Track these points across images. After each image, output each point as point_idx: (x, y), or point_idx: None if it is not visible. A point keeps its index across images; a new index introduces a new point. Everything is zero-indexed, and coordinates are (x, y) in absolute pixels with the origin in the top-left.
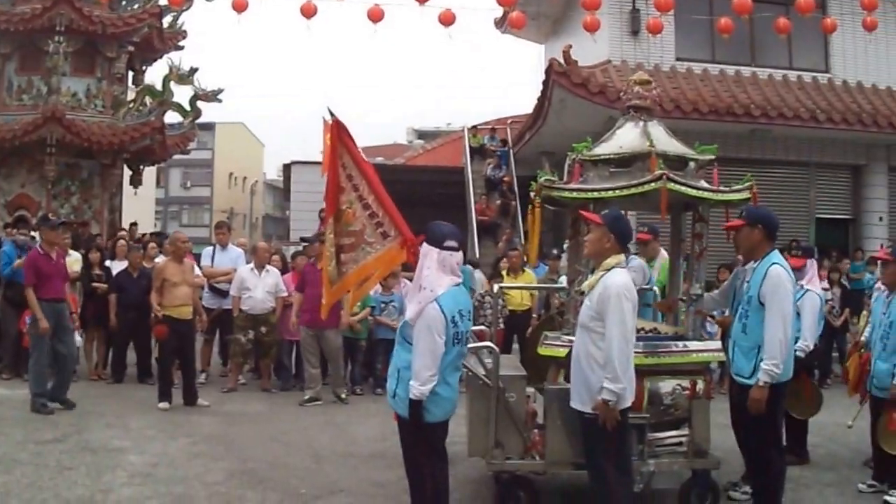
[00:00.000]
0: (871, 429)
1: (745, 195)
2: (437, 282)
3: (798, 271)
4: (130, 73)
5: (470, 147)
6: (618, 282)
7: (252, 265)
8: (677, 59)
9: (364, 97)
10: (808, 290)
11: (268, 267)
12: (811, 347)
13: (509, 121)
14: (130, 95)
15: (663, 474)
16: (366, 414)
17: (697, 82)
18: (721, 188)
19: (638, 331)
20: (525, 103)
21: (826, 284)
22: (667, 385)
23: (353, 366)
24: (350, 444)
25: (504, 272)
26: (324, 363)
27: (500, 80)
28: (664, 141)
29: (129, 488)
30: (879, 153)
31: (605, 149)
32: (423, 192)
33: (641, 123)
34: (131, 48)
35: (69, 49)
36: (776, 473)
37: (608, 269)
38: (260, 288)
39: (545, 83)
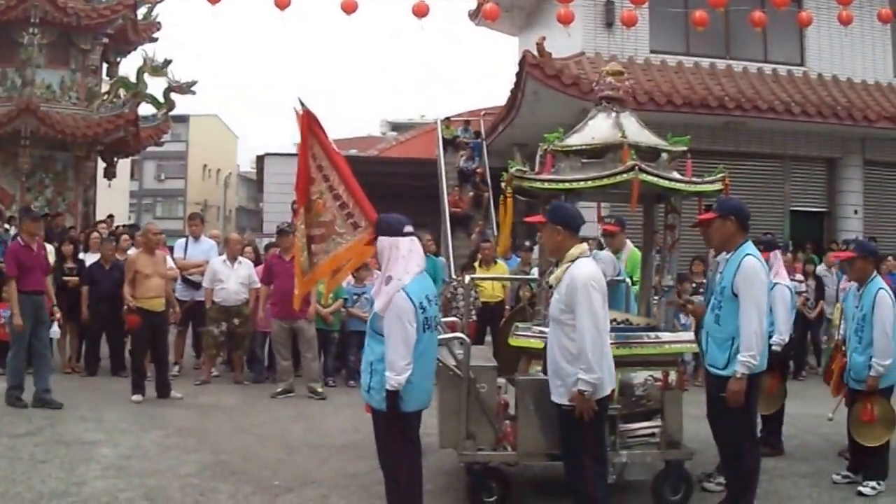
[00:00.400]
0: (848, 420)
1: (718, 186)
2: (404, 270)
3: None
4: (105, 65)
5: (443, 139)
6: (584, 272)
7: (225, 257)
8: (651, 52)
9: (338, 89)
10: (776, 282)
11: (240, 258)
12: (787, 340)
13: (483, 113)
14: (105, 87)
15: (636, 465)
16: (338, 405)
17: (672, 75)
18: (694, 179)
19: (610, 322)
20: (499, 95)
21: (801, 277)
22: (639, 376)
23: (326, 357)
24: (322, 436)
25: (476, 263)
26: (295, 355)
27: (474, 73)
28: (636, 132)
29: (102, 481)
30: (854, 146)
31: (578, 139)
32: (396, 184)
33: (614, 114)
34: (106, 40)
35: (43, 41)
36: (750, 465)
37: (573, 260)
38: (233, 280)
39: (518, 75)
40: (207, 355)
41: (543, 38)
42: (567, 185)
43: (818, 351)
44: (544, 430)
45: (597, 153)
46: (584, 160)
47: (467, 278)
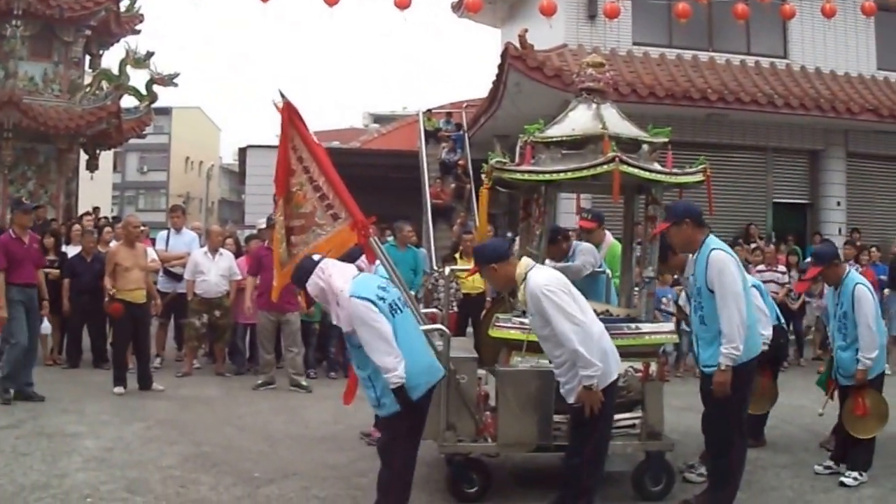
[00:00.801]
0: (841, 416)
1: (699, 178)
2: (342, 281)
3: None
4: (87, 58)
5: (425, 131)
6: (538, 283)
7: (206, 249)
8: (634, 44)
9: (320, 81)
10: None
11: (221, 250)
12: (770, 336)
13: (465, 104)
14: (87, 80)
15: (616, 456)
16: (319, 397)
17: (654, 67)
18: (674, 171)
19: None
20: (481, 87)
21: (783, 268)
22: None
23: (308, 349)
24: (303, 428)
25: (458, 255)
26: (276, 348)
27: (456, 65)
28: (617, 123)
29: (84, 473)
30: (837, 138)
31: (558, 131)
32: (379, 176)
33: (594, 106)
34: (88, 32)
35: (26, 33)
36: (735, 460)
37: (523, 280)
38: (213, 271)
39: (501, 67)
40: (189, 347)
41: (526, 31)
42: (547, 177)
43: (800, 342)
44: (524, 421)
45: (577, 144)
46: (564, 151)
47: (447, 270)
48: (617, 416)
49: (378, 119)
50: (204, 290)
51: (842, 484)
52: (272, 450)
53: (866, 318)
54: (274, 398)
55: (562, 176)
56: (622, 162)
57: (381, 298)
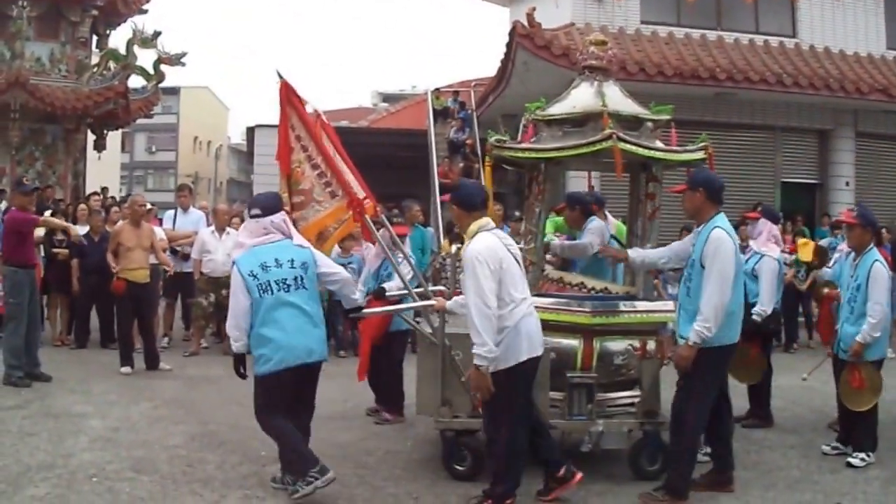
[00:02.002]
0: (837, 389)
1: (700, 156)
2: (239, 246)
3: (752, 227)
4: (94, 38)
5: (433, 110)
6: (474, 248)
7: (213, 228)
8: (642, 23)
9: (329, 60)
10: (764, 254)
11: (228, 229)
12: (769, 312)
13: (473, 84)
14: (94, 60)
15: (612, 434)
16: (327, 376)
17: (662, 46)
18: (674, 148)
19: (588, 290)
20: (489, 66)
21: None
22: (618, 345)
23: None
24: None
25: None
26: None
27: (465, 44)
28: (619, 101)
29: (90, 453)
30: (846, 118)
31: (559, 108)
32: (387, 155)
33: (596, 83)
34: (95, 12)
35: (33, 13)
36: (690, 437)
37: (472, 237)
38: (221, 251)
39: (508, 46)
40: (196, 327)
41: (534, 9)
42: (545, 154)
43: (810, 323)
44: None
45: (578, 122)
46: (565, 129)
47: (454, 248)
48: (615, 395)
49: (387, 98)
50: (211, 269)
51: (849, 465)
52: None
53: (879, 295)
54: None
55: (560, 153)
56: (619, 139)
57: (254, 275)
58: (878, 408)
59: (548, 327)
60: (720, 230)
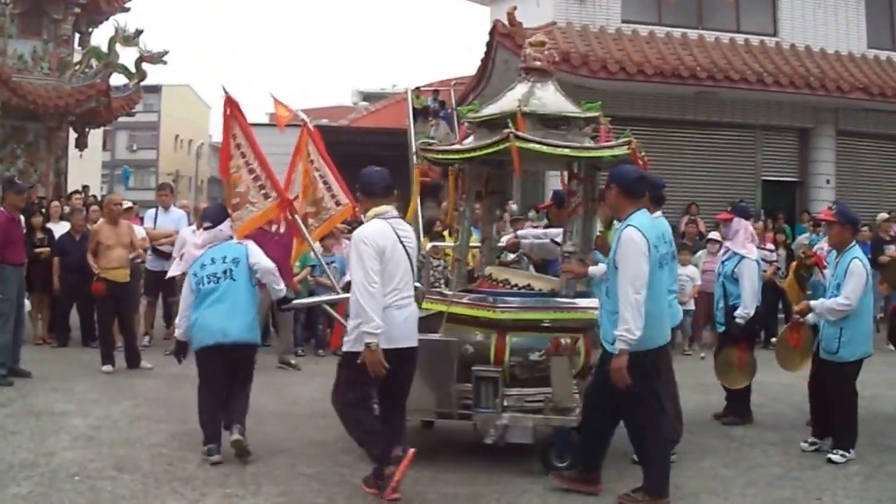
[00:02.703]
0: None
1: (620, 151)
2: (196, 250)
3: (726, 228)
4: (77, 35)
5: (413, 109)
6: (360, 231)
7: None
8: (623, 22)
9: (310, 59)
10: (743, 256)
11: None
12: (751, 314)
13: (453, 83)
14: (77, 58)
15: (521, 429)
16: (307, 374)
17: (643, 45)
18: (588, 145)
19: (512, 286)
20: (470, 65)
21: (771, 246)
22: (535, 342)
23: (295, 326)
24: (291, 405)
25: (447, 232)
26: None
27: (446, 43)
28: (547, 101)
29: (72, 451)
30: (827, 116)
31: (488, 110)
32: (367, 154)
33: (528, 84)
34: (78, 10)
35: (16, 11)
36: (653, 442)
37: (367, 222)
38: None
39: (489, 45)
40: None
41: (514, 8)
42: (454, 156)
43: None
44: (432, 388)
45: (499, 124)
46: (489, 130)
47: (429, 245)
48: (526, 390)
49: (367, 97)
50: None
51: (829, 461)
52: (259, 427)
53: (850, 291)
54: (261, 375)
55: (462, 155)
56: (518, 138)
57: (195, 273)
58: (856, 403)
59: (467, 323)
60: (631, 228)
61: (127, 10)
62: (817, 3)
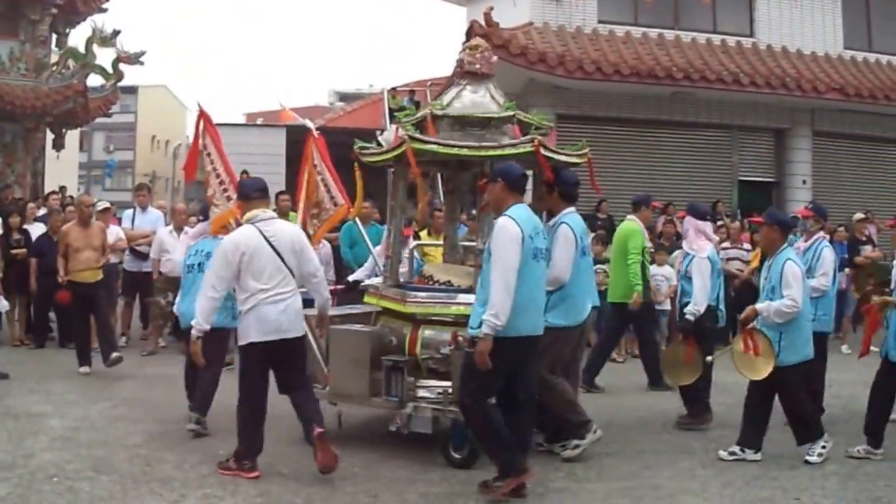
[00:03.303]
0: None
1: (522, 150)
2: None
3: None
4: (54, 36)
5: (389, 109)
6: (225, 238)
7: (171, 227)
8: (600, 22)
9: (287, 59)
10: (694, 255)
11: (186, 229)
12: (701, 311)
13: (429, 83)
14: (54, 58)
15: (422, 419)
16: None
17: (619, 45)
18: (486, 144)
19: (434, 282)
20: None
21: (748, 246)
22: (444, 335)
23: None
24: (268, 406)
25: (425, 232)
26: None
27: (423, 43)
28: (469, 102)
29: (50, 453)
30: (803, 117)
31: (455, 110)
32: (343, 155)
33: (457, 88)
34: (55, 10)
35: None
36: (478, 420)
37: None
38: (179, 250)
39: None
40: (154, 326)
41: (491, 9)
42: (373, 159)
43: None
44: (349, 375)
45: (419, 127)
46: (467, 129)
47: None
48: (429, 383)
49: (344, 97)
50: (169, 268)
51: (807, 462)
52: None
53: (793, 292)
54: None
55: (374, 158)
56: (414, 139)
57: (184, 262)
58: (804, 397)
59: (393, 316)
60: (506, 218)
61: (104, 10)
62: (794, 3)
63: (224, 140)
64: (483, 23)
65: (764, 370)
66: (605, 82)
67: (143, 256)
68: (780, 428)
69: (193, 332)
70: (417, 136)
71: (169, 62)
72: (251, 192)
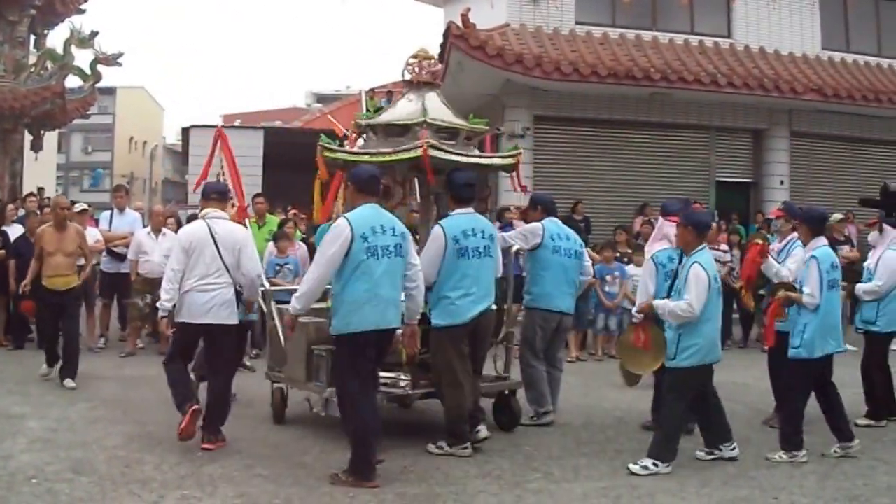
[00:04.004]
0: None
1: (509, 161)
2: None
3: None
4: (32, 37)
5: (367, 110)
6: (181, 229)
7: (149, 229)
8: (577, 23)
9: (264, 61)
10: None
11: (164, 230)
12: (636, 310)
13: None
14: (32, 60)
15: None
16: (262, 376)
17: (597, 46)
18: (486, 154)
19: None
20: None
21: (725, 247)
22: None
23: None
24: (247, 406)
25: None
26: None
27: (400, 44)
28: (398, 111)
29: (28, 454)
30: (781, 118)
31: (386, 117)
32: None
33: (414, 96)
34: (33, 11)
35: None
36: (356, 427)
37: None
38: (157, 252)
39: (443, 46)
40: (133, 327)
41: (468, 10)
42: (368, 158)
43: (748, 321)
44: (295, 362)
45: (399, 131)
46: (389, 137)
47: None
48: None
49: (321, 98)
50: (147, 270)
51: (767, 459)
52: None
53: (692, 296)
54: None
55: (382, 158)
56: (324, 148)
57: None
58: (679, 408)
59: None
60: (342, 218)
61: (82, 11)
62: (771, 4)
63: (200, 142)
64: (460, 24)
65: (648, 366)
66: (582, 83)
67: (121, 258)
68: (758, 427)
69: (163, 310)
70: (328, 145)
71: (147, 63)
72: (210, 194)
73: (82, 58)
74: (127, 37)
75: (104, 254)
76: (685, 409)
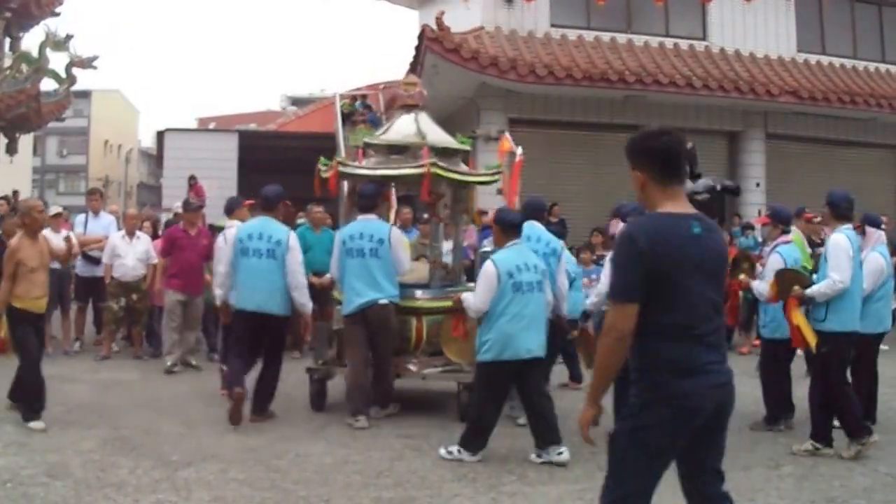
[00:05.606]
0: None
1: (493, 178)
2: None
3: None
4: (7, 40)
5: (342, 113)
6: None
7: (123, 232)
8: (552, 26)
9: (238, 64)
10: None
11: (138, 234)
12: (560, 314)
13: (381, 86)
14: (6, 63)
15: None
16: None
17: (572, 49)
18: (474, 171)
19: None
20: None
21: None
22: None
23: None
24: (221, 411)
25: None
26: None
27: (375, 47)
28: (397, 129)
29: (3, 458)
30: (756, 120)
31: (387, 137)
32: (295, 158)
33: (408, 117)
34: (8, 14)
35: None
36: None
37: None
38: (131, 255)
39: (418, 49)
40: (107, 331)
41: (443, 13)
42: (378, 173)
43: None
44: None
45: (400, 150)
46: (392, 155)
47: None
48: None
49: (295, 101)
50: (122, 273)
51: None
52: (190, 432)
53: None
54: (191, 381)
55: (388, 171)
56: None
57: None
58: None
59: None
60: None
61: (57, 14)
62: (746, 7)
63: (175, 144)
64: (435, 27)
65: (466, 355)
66: (557, 86)
67: (96, 261)
68: (738, 429)
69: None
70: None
71: (122, 66)
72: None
73: (57, 61)
74: (102, 40)
75: (79, 257)
76: (495, 404)
